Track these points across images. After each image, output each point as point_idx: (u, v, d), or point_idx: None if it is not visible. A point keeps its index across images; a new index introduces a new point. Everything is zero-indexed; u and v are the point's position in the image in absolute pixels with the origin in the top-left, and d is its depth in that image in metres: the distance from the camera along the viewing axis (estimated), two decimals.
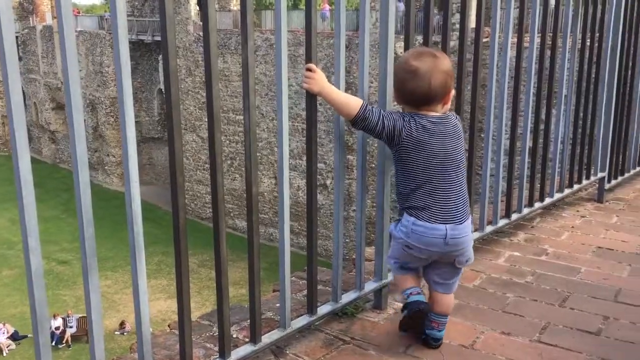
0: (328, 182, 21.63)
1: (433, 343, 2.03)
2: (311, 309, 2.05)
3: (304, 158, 1.97)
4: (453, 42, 4.22)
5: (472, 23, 2.71)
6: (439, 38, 2.39)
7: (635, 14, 3.83)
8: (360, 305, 2.29)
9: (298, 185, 21.29)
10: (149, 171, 31.57)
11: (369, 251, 2.57)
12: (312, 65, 1.87)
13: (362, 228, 2.20)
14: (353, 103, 1.88)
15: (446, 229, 1.87)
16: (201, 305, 18.10)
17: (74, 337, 19.20)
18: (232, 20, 25.69)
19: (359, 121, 1.88)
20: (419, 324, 1.99)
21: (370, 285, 2.26)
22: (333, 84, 1.94)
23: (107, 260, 22.30)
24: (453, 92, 1.93)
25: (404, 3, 2.21)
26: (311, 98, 1.91)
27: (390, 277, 2.32)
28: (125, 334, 18.96)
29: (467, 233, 1.92)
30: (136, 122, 30.16)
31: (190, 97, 26.38)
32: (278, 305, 2.10)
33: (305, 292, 2.13)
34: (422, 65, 1.83)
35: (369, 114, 1.86)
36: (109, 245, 22.97)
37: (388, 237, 2.30)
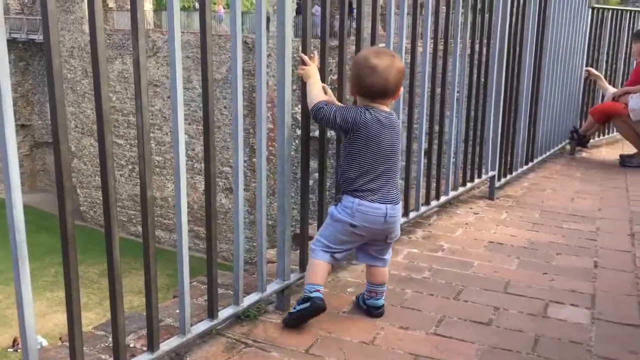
0: None
1: (375, 311, 2.25)
2: (212, 313, 2.02)
3: None
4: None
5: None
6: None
7: (519, 23, 4.08)
8: (263, 307, 2.28)
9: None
10: (43, 177, 29.89)
11: (272, 253, 2.57)
12: (306, 59, 2.20)
13: (263, 229, 2.19)
14: (317, 97, 2.16)
15: (386, 209, 2.13)
16: (102, 316, 17.33)
17: None
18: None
19: (313, 112, 2.14)
20: (305, 321, 2.15)
21: (272, 287, 2.26)
22: (231, 87, 1.97)
23: None
24: (402, 89, 2.18)
25: (301, 7, 2.22)
26: (208, 100, 1.88)
27: (292, 277, 2.33)
28: (18, 350, 17.84)
29: (400, 212, 2.22)
30: (28, 125, 28.33)
31: (87, 99, 25.26)
32: (178, 311, 2.04)
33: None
34: (381, 63, 2.06)
35: (322, 110, 2.12)
36: None
37: (290, 239, 2.31)
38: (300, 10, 2.57)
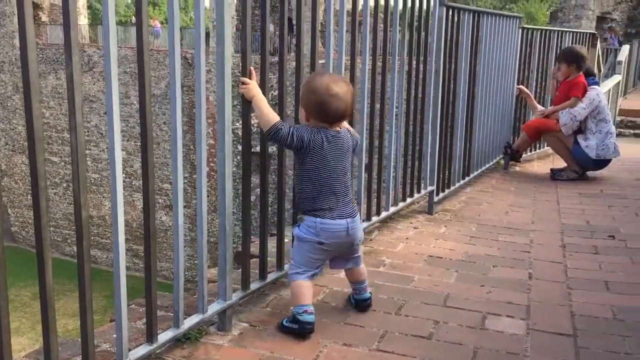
0: None
1: (363, 304, 2.44)
2: (151, 337, 1.96)
3: None
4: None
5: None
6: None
7: (454, 41, 4.21)
8: (204, 329, 2.23)
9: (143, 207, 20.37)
10: None
11: (213, 272, 2.53)
12: (245, 79, 2.22)
13: (204, 249, 2.16)
14: (272, 118, 2.23)
15: (347, 223, 2.27)
16: (35, 341, 16.56)
17: None
18: None
19: (271, 134, 2.21)
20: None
21: (214, 307, 2.22)
22: (170, 103, 1.92)
23: None
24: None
25: (241, 23, 2.22)
26: (145, 116, 1.84)
27: (234, 297, 2.30)
28: None
29: (359, 224, 2.37)
30: None
31: (18, 115, 24.31)
32: (115, 335, 1.97)
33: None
34: (341, 90, 2.21)
35: (279, 132, 2.20)
36: None
37: (232, 258, 2.28)
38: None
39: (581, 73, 5.39)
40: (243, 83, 2.24)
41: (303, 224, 2.29)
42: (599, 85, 5.74)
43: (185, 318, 2.10)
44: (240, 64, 2.24)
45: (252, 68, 2.26)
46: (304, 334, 2.20)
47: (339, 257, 2.38)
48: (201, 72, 2.03)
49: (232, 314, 2.31)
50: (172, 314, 2.12)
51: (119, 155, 1.74)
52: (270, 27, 3.46)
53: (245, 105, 2.27)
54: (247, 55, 2.22)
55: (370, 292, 2.48)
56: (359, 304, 2.45)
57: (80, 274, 1.69)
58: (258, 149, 2.41)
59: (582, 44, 7.09)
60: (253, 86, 2.25)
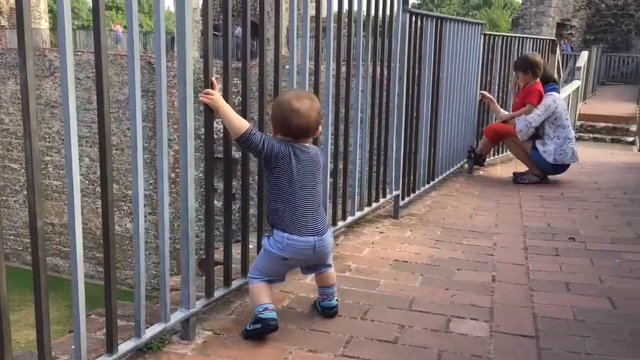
0: None
1: (329, 311, 2.44)
2: (111, 347, 1.91)
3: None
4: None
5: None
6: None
7: (417, 47, 4.25)
8: (167, 338, 2.19)
9: None
10: None
11: (176, 280, 2.49)
12: (209, 90, 2.20)
13: (166, 257, 2.12)
14: (242, 124, 2.23)
15: (314, 240, 2.27)
16: None
17: None
18: None
19: (243, 141, 2.22)
20: (264, 335, 2.23)
21: (177, 316, 2.18)
22: (129, 108, 1.90)
23: None
24: (321, 127, 2.33)
25: (203, 28, 2.20)
26: (103, 124, 1.80)
27: (198, 305, 2.27)
28: None
29: (329, 242, 2.36)
30: None
31: None
32: (74, 347, 1.92)
33: None
34: (303, 106, 2.23)
35: (252, 137, 2.21)
36: None
37: (194, 265, 2.25)
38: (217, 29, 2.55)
39: (538, 80, 5.49)
40: (206, 94, 2.22)
41: (272, 236, 2.31)
42: (558, 92, 5.86)
43: (147, 327, 2.06)
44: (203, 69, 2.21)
45: (213, 78, 2.24)
46: (268, 332, 2.20)
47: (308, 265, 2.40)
48: (162, 76, 2.00)
49: (196, 322, 2.27)
50: (132, 324, 2.08)
51: (76, 164, 1.69)
52: (237, 31, 3.40)
53: (209, 111, 2.24)
54: (210, 62, 2.20)
55: (337, 300, 2.48)
56: (325, 311, 2.45)
57: (36, 284, 1.64)
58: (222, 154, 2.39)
59: (541, 50, 7.24)
60: (217, 97, 2.23)
